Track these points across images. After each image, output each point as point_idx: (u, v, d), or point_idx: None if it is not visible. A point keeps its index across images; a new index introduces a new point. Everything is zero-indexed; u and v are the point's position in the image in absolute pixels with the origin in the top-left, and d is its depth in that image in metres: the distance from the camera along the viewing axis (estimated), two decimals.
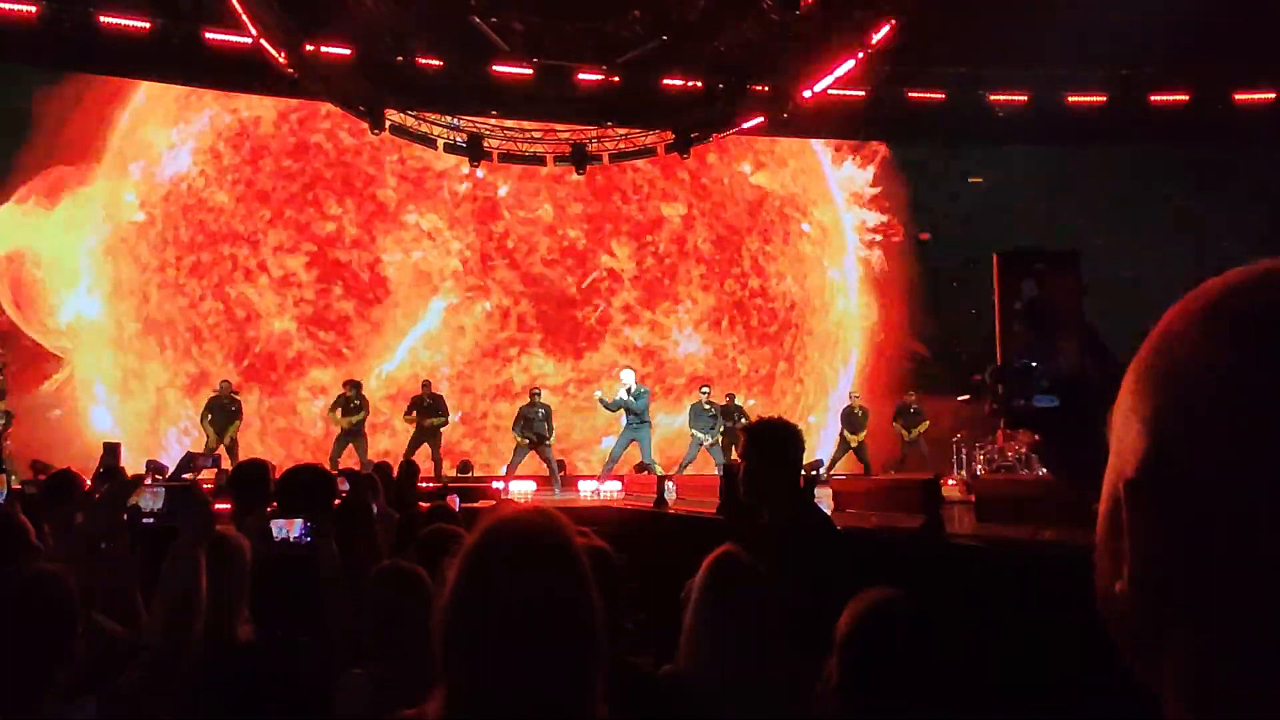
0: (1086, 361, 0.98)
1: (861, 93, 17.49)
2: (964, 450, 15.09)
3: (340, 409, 15.35)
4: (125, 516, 3.16)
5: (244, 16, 13.59)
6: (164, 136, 18.60)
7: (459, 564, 1.64)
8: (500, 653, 1.58)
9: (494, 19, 14.81)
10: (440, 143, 16.50)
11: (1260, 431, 0.59)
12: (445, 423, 16.01)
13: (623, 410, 14.76)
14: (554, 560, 1.64)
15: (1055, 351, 0.96)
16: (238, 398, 15.92)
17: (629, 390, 14.69)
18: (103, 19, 14.54)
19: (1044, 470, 13.20)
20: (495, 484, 14.26)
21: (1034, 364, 0.95)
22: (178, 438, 16.88)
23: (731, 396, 17.09)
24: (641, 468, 14.98)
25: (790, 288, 20.96)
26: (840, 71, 15.31)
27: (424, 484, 13.16)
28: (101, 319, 17.95)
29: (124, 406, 17.75)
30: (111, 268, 18.08)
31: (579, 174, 17.43)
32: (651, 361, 19.88)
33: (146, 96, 18.20)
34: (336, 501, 4.25)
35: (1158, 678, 0.65)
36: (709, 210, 20.66)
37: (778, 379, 20.75)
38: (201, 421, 15.36)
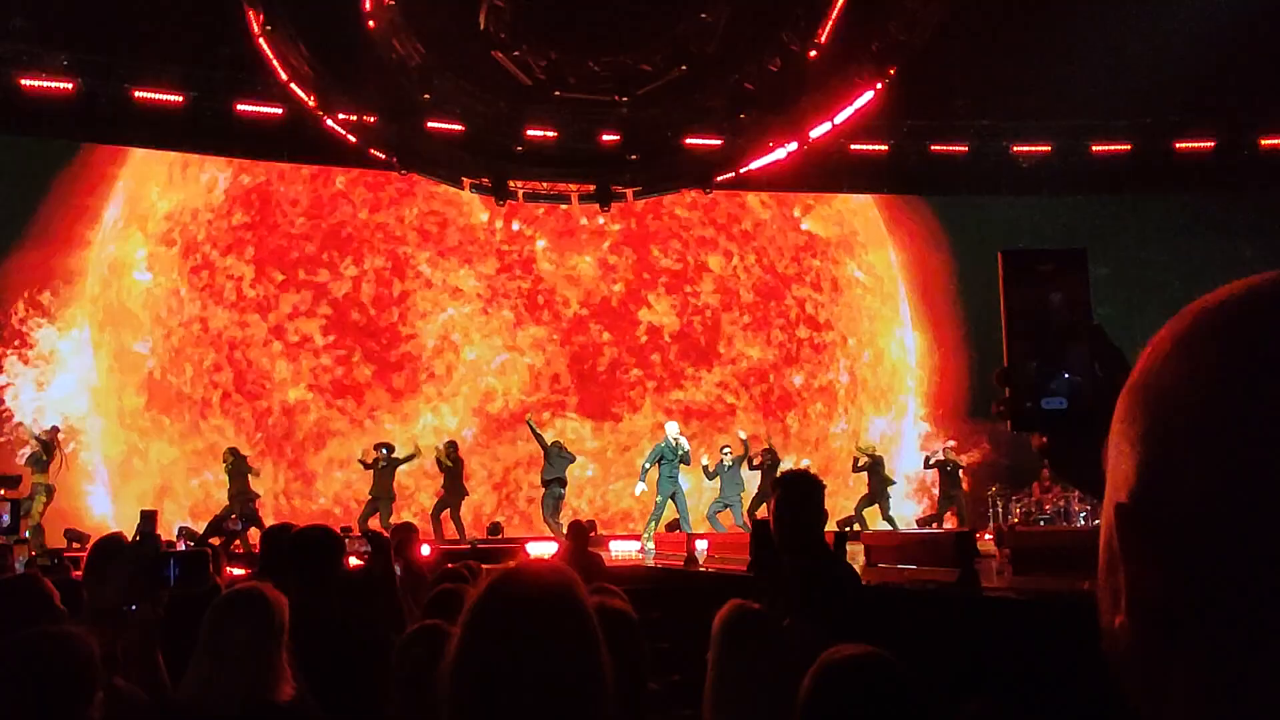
0: (1095, 363, 0.97)
1: (884, 146, 17.58)
2: (999, 503, 14.90)
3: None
4: (152, 581, 3.15)
5: (278, 70, 13.85)
6: (170, 197, 17.51)
7: (461, 621, 1.61)
8: (503, 710, 1.54)
9: (516, 54, 14.95)
10: (467, 184, 16.55)
11: (1243, 452, 0.58)
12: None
13: (659, 463, 14.70)
14: (558, 616, 1.60)
15: (1063, 353, 0.95)
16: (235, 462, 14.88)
17: (675, 442, 14.70)
18: (137, 93, 14.86)
19: (1081, 522, 13.02)
20: (528, 546, 14.15)
21: (1041, 366, 0.94)
22: (193, 524, 14.86)
23: (771, 452, 16.70)
24: (674, 525, 14.89)
25: (842, 337, 19.82)
26: (861, 102, 15.43)
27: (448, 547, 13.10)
28: (101, 392, 16.61)
29: (125, 488, 16.26)
30: (111, 337, 16.84)
31: (603, 210, 17.39)
32: (696, 421, 18.54)
33: (149, 155, 17.06)
34: (359, 563, 4.22)
35: (1162, 715, 0.63)
36: (753, 258, 19.59)
37: (831, 436, 19.47)
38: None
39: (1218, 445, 0.59)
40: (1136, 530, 0.62)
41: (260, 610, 2.85)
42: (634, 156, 16.59)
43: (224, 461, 14.77)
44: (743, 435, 15.95)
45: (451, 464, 15.09)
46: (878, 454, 16.85)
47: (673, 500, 14.73)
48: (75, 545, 13.51)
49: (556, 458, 15.17)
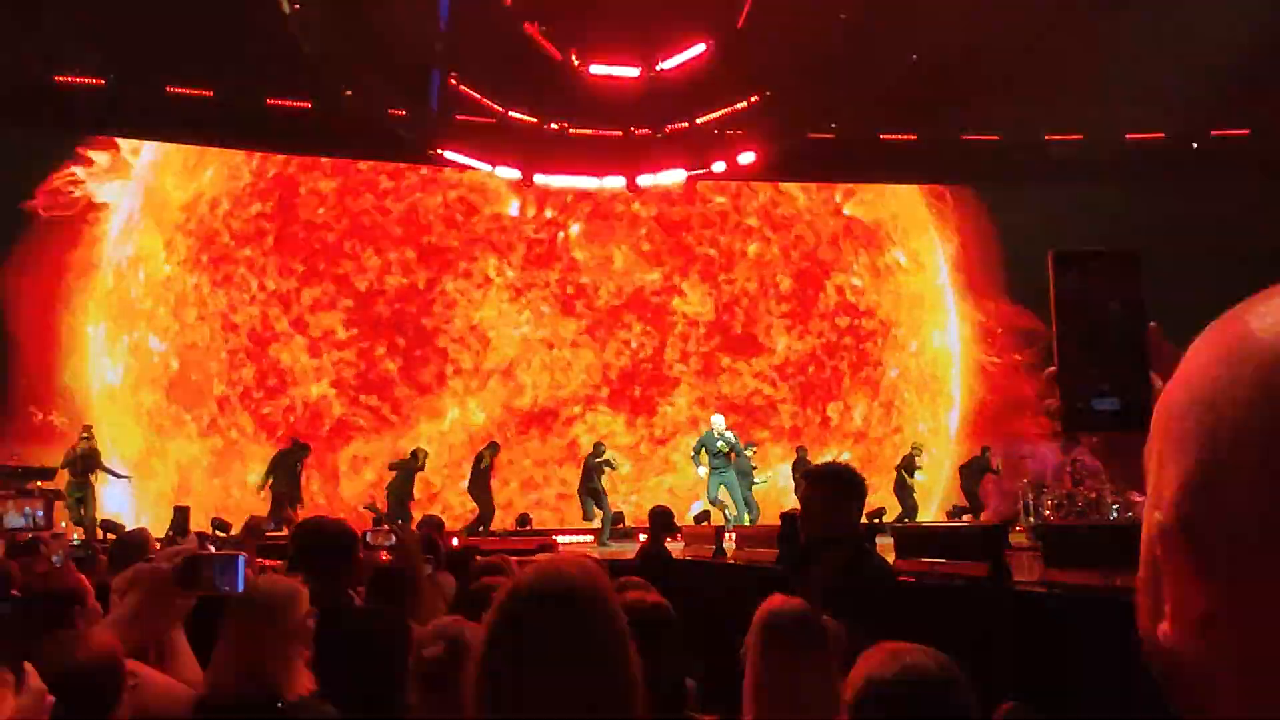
0: (1149, 363, 0.97)
1: (914, 135, 17.46)
2: (1030, 495, 14.77)
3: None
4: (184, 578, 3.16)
5: (307, 55, 13.92)
6: (187, 187, 16.97)
7: (489, 620, 1.62)
8: (531, 709, 1.55)
9: (545, 28, 14.93)
10: (495, 168, 16.53)
11: None
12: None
13: (704, 455, 14.67)
14: (585, 614, 1.60)
15: (1116, 353, 0.94)
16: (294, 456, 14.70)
17: (719, 435, 14.69)
18: (169, 88, 14.99)
19: (1114, 515, 12.88)
20: (557, 538, 14.15)
21: (1093, 366, 0.94)
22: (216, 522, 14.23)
23: (802, 450, 16.54)
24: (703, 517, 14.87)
25: (882, 326, 19.12)
26: (886, 82, 15.37)
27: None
28: (118, 389, 16.18)
29: (143, 487, 15.67)
30: (127, 332, 16.36)
31: (631, 192, 17.35)
32: (734, 414, 17.72)
33: (164, 144, 16.54)
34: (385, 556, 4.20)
35: None
36: (791, 244, 18.95)
37: (874, 425, 18.84)
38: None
39: (1270, 459, 0.57)
40: (1181, 542, 0.61)
41: (276, 604, 2.84)
42: (659, 135, 16.57)
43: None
44: (750, 451, 15.93)
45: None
46: (915, 449, 16.73)
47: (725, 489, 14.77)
48: (110, 536, 13.66)
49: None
